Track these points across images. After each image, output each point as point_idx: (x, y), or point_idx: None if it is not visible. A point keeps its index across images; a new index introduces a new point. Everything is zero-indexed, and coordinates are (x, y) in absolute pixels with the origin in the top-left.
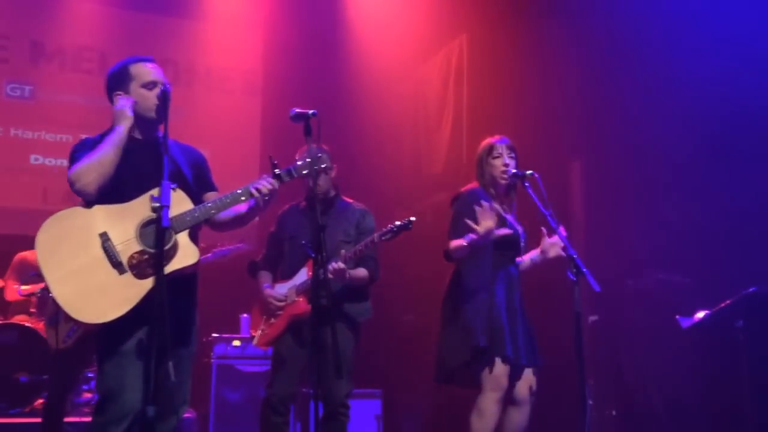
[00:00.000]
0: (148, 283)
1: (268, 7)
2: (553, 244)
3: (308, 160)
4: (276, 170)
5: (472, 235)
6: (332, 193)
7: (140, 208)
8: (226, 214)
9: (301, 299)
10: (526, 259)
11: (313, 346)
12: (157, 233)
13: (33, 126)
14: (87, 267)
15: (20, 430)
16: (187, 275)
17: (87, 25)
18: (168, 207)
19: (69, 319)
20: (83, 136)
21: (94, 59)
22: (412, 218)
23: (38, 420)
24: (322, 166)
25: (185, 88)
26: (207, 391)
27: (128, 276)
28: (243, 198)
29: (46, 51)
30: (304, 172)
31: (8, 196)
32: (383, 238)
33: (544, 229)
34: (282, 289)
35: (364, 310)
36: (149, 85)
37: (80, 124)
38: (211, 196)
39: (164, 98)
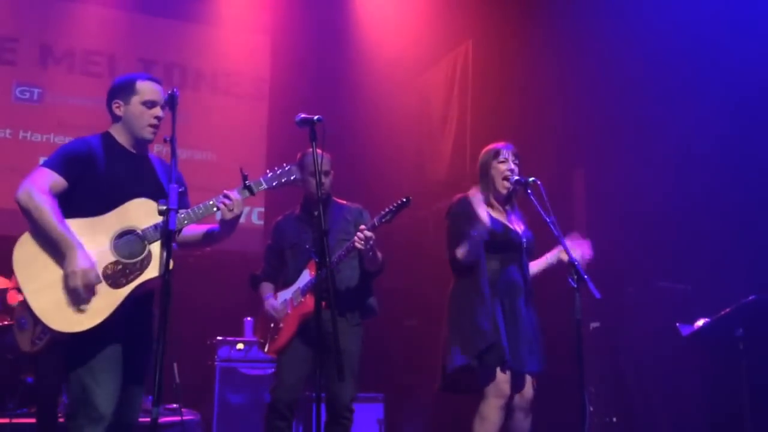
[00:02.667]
0: (122, 293)
1: (276, 12)
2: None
3: (278, 171)
4: (247, 182)
5: (473, 232)
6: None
7: (114, 220)
8: (194, 232)
9: (307, 299)
10: (542, 260)
11: (318, 349)
12: (163, 235)
13: (41, 128)
14: (62, 279)
15: (26, 431)
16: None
17: (96, 29)
18: (176, 210)
19: (37, 322)
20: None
21: (102, 62)
22: (409, 197)
23: None
24: (291, 178)
25: (192, 93)
26: (210, 393)
27: (103, 286)
28: (214, 209)
29: (55, 54)
30: (274, 183)
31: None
32: (383, 220)
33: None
34: (286, 294)
35: (370, 308)
36: (148, 104)
37: (88, 126)
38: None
39: (171, 102)
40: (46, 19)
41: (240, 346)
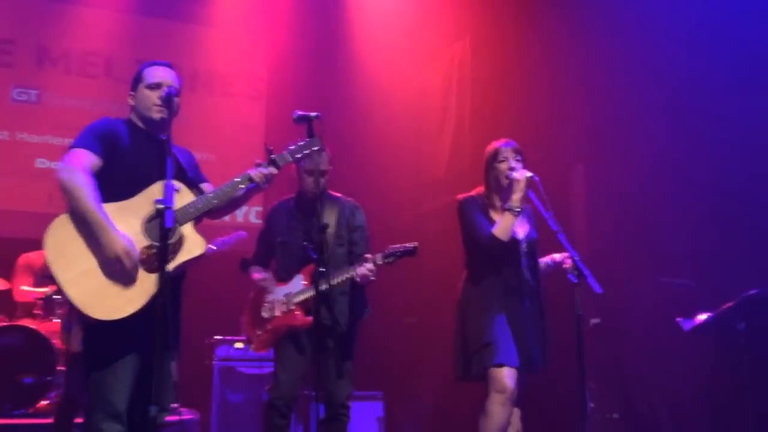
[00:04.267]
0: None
1: (272, 12)
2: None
3: (300, 143)
4: (272, 156)
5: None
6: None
7: (144, 203)
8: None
9: (297, 312)
10: (542, 262)
11: (314, 349)
12: (161, 235)
13: (39, 130)
14: (98, 266)
15: (24, 431)
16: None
17: (92, 30)
18: (171, 208)
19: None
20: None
21: (99, 64)
22: (415, 243)
23: (42, 421)
24: (314, 148)
25: (189, 93)
26: (209, 393)
27: (139, 271)
28: (241, 186)
29: (52, 55)
30: (298, 155)
31: (14, 200)
32: (386, 261)
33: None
34: (277, 294)
35: (366, 307)
36: (152, 86)
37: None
38: (206, 187)
39: (168, 100)
40: (42, 20)
41: (238, 345)
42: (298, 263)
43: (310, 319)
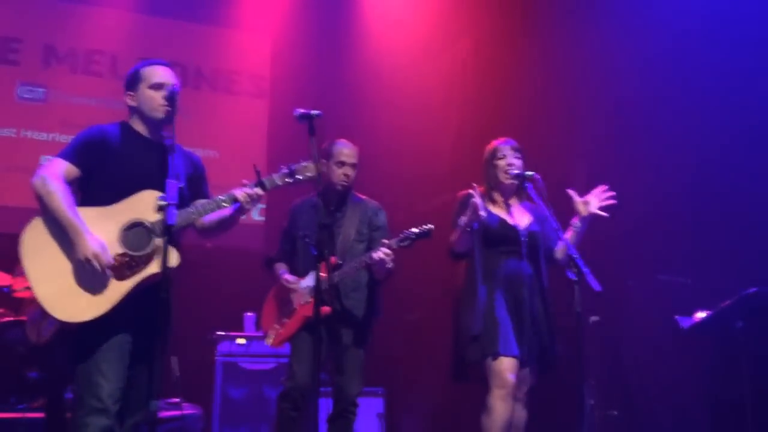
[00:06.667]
0: (126, 285)
1: (276, 10)
2: (586, 201)
3: (293, 167)
4: (260, 178)
5: (461, 218)
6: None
7: (125, 210)
8: (210, 219)
9: (314, 301)
10: (569, 234)
11: (327, 346)
12: (165, 230)
13: (45, 127)
14: (68, 267)
15: (28, 425)
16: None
17: (98, 29)
18: (175, 205)
19: (45, 315)
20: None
21: (104, 62)
22: (431, 226)
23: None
24: (307, 175)
25: (193, 91)
26: (211, 388)
27: (109, 278)
28: (225, 204)
29: (58, 54)
30: (288, 180)
31: (18, 196)
32: (401, 244)
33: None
34: (298, 289)
35: (377, 309)
36: (155, 86)
37: (91, 125)
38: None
39: (171, 98)
40: (49, 19)
41: (241, 341)
42: (313, 259)
43: (326, 308)
